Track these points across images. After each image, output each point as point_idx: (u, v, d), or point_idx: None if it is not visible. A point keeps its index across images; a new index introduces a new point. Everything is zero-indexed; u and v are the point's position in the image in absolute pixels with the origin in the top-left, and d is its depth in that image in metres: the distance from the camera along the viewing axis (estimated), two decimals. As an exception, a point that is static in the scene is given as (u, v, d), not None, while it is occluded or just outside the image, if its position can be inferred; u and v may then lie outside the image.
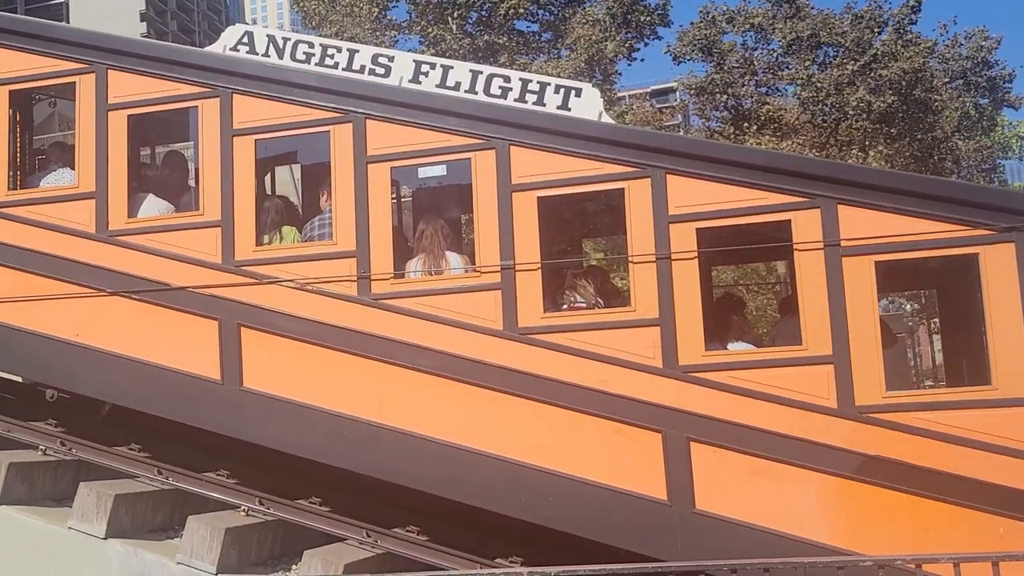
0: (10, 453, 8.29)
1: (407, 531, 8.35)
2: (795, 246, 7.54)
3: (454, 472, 7.79)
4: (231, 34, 9.13)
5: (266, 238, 8.63)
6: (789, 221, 7.56)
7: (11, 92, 9.08)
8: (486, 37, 32.34)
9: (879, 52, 30.25)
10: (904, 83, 30.05)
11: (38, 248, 8.73)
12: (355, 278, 8.09)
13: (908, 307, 32.32)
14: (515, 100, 8.48)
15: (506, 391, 7.74)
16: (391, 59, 8.91)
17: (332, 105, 8.36)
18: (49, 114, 11.05)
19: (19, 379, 9.56)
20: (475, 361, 7.79)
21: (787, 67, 32.21)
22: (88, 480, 8.10)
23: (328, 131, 8.37)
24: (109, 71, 8.79)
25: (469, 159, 8.11)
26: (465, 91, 8.57)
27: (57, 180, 9.12)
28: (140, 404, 8.53)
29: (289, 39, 9.08)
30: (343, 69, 8.79)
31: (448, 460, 7.79)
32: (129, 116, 8.75)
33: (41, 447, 8.67)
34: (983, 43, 34.53)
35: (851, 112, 30.26)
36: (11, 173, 9.07)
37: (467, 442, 7.77)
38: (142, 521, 8.01)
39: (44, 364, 8.75)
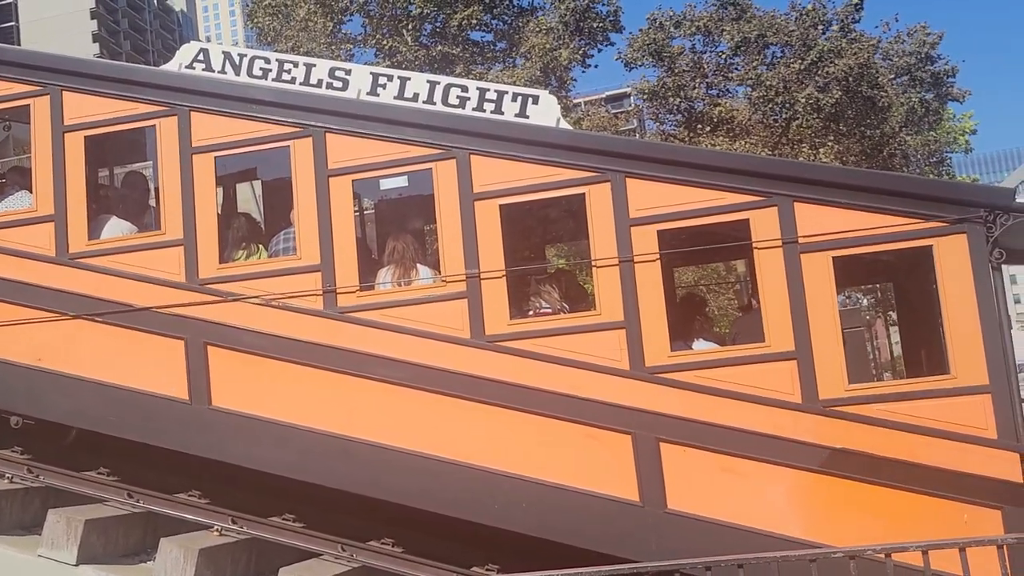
0: (-25, 483, 8.11)
1: (382, 543, 8.27)
2: (754, 244, 7.58)
3: (426, 482, 7.73)
4: (186, 52, 9.02)
5: (242, 254, 8.52)
6: (747, 220, 7.60)
7: None
8: (440, 48, 32.35)
9: (824, 49, 30.65)
10: (850, 79, 30.46)
11: (-5, 273, 8.55)
12: (321, 292, 8.02)
13: (864, 301, 32.72)
14: (473, 109, 8.46)
15: (475, 399, 7.70)
16: (348, 72, 8.86)
17: (291, 120, 8.29)
18: (3, 138, 10.84)
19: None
20: (444, 370, 7.74)
21: (736, 68, 32.55)
22: (57, 506, 7.93)
23: (288, 146, 8.29)
24: (64, 92, 8.65)
25: (430, 169, 8.07)
26: (423, 102, 8.55)
27: (15, 204, 8.94)
28: (107, 427, 8.37)
29: (245, 55, 8.99)
30: (300, 84, 8.73)
31: (420, 470, 7.73)
32: (86, 137, 8.61)
33: (7, 475, 8.50)
34: (925, 38, 35.03)
35: (801, 110, 30.63)
36: (-33, 199, 8.90)
37: (438, 452, 7.72)
38: (114, 546, 7.85)
39: (7, 391, 8.57)
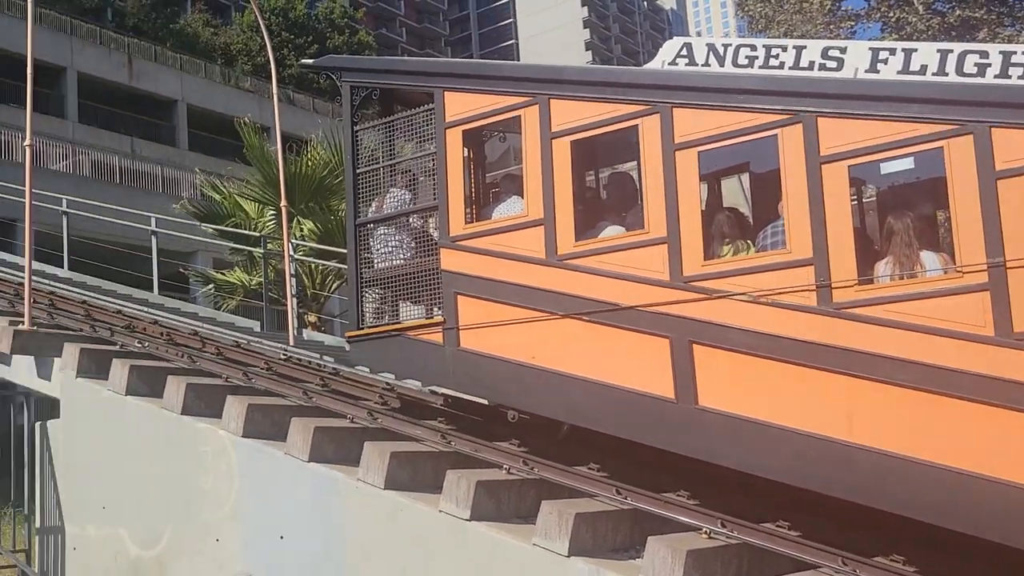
0: (477, 472, 9.06)
1: (891, 560, 7.91)
2: None
3: (952, 498, 7.21)
4: (669, 48, 9.38)
5: (728, 250, 8.70)
6: None
7: (464, 132, 10.00)
8: (959, 13, 30.18)
9: None
10: None
11: (493, 276, 9.52)
12: (814, 287, 7.90)
13: None
14: (995, 77, 7.83)
15: (1005, 406, 7.04)
16: (843, 51, 8.65)
17: (778, 107, 8.24)
18: (505, 149, 12.11)
19: (485, 402, 10.51)
20: (962, 372, 7.20)
21: None
22: (548, 498, 8.60)
23: (775, 135, 8.27)
24: (551, 101, 9.40)
25: (941, 148, 7.59)
26: (932, 74, 8.09)
27: (507, 210, 9.90)
28: (595, 424, 8.97)
29: (729, 45, 9.14)
30: (790, 68, 8.67)
31: (942, 484, 7.23)
32: (572, 142, 9.26)
33: (505, 466, 9.39)
34: None
35: None
36: (467, 208, 9.99)
37: (959, 464, 7.17)
38: (603, 540, 8.30)
39: (505, 387, 9.52)
